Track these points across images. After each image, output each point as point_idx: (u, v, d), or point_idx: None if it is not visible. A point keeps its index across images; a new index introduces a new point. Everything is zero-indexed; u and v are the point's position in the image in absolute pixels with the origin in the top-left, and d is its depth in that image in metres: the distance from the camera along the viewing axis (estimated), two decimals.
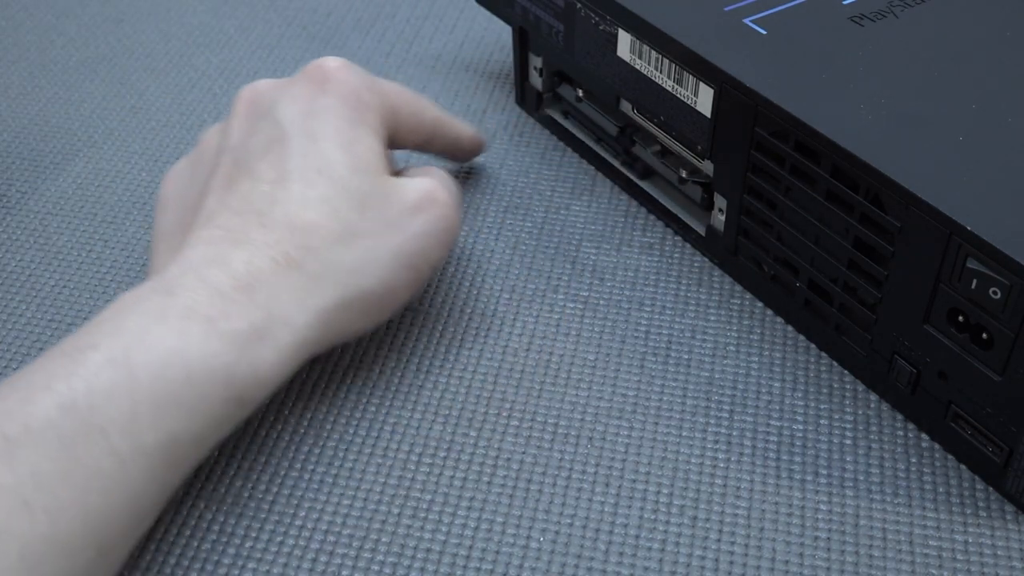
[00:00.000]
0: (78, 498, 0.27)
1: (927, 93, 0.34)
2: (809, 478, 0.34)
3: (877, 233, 0.33)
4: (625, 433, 0.35)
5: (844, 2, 0.39)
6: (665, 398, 0.36)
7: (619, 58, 0.40)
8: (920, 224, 0.31)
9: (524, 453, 0.34)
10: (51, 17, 0.56)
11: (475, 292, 0.40)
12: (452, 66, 0.52)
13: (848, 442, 0.35)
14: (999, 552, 0.32)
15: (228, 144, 0.36)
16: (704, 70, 0.36)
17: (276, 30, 0.55)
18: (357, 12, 0.56)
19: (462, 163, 0.45)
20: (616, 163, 0.44)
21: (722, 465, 0.34)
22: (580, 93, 0.45)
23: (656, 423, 0.35)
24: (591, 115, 0.45)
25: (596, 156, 0.45)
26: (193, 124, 0.49)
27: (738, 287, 0.40)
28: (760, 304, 0.39)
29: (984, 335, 0.31)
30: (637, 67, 0.40)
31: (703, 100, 0.37)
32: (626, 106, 0.42)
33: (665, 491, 0.33)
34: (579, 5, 0.41)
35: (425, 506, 0.33)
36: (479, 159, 0.46)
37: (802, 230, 0.36)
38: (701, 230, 0.41)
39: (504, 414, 0.36)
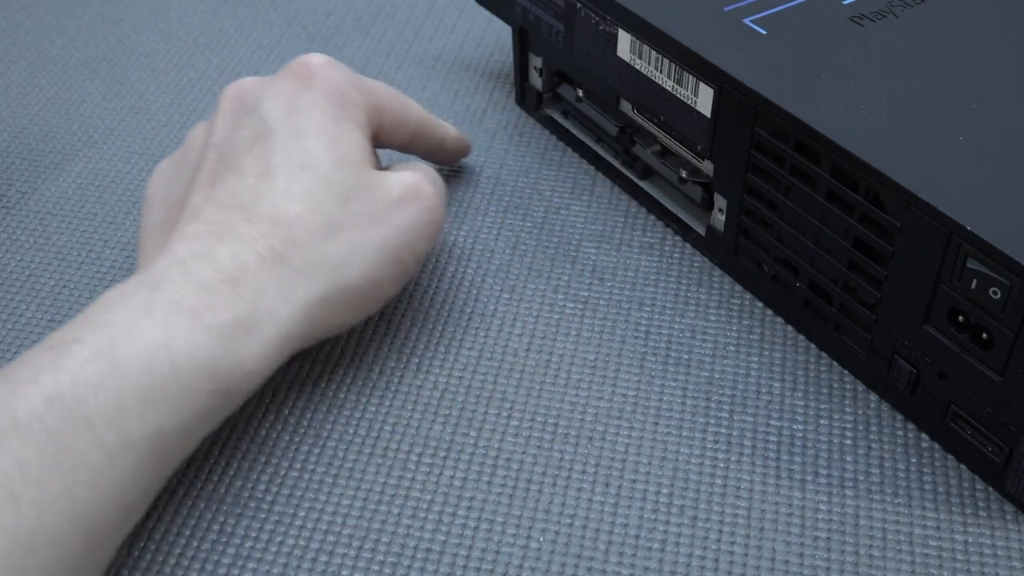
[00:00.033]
0: (66, 490, 0.27)
1: (927, 93, 0.34)
2: (809, 478, 0.34)
3: (877, 233, 0.33)
4: (625, 433, 0.35)
5: (844, 2, 0.39)
6: (665, 398, 0.36)
7: (619, 58, 0.40)
8: (920, 224, 0.31)
9: (524, 453, 0.34)
10: (51, 17, 0.56)
11: (475, 292, 0.40)
12: (452, 66, 0.52)
13: (848, 442, 0.35)
14: (999, 552, 0.32)
15: (213, 140, 0.36)
16: (704, 70, 0.36)
17: (276, 30, 0.55)
18: (357, 12, 0.56)
19: (447, 165, 0.45)
20: (616, 163, 0.44)
21: (722, 465, 0.34)
22: (580, 93, 0.45)
23: (656, 423, 0.35)
24: (591, 115, 0.45)
25: (596, 156, 0.45)
26: (193, 124, 0.49)
27: (738, 287, 0.40)
28: (760, 304, 0.39)
29: (984, 335, 0.31)
30: (637, 67, 0.40)
31: (703, 100, 0.37)
32: (626, 106, 0.42)
33: (665, 491, 0.33)
34: (579, 5, 0.41)
35: (425, 506, 0.33)
36: (479, 158, 0.46)
37: (802, 230, 0.36)
38: (701, 230, 0.41)
39: (504, 414, 0.36)
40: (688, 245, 0.42)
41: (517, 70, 0.47)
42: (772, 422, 0.35)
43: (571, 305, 0.39)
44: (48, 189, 0.45)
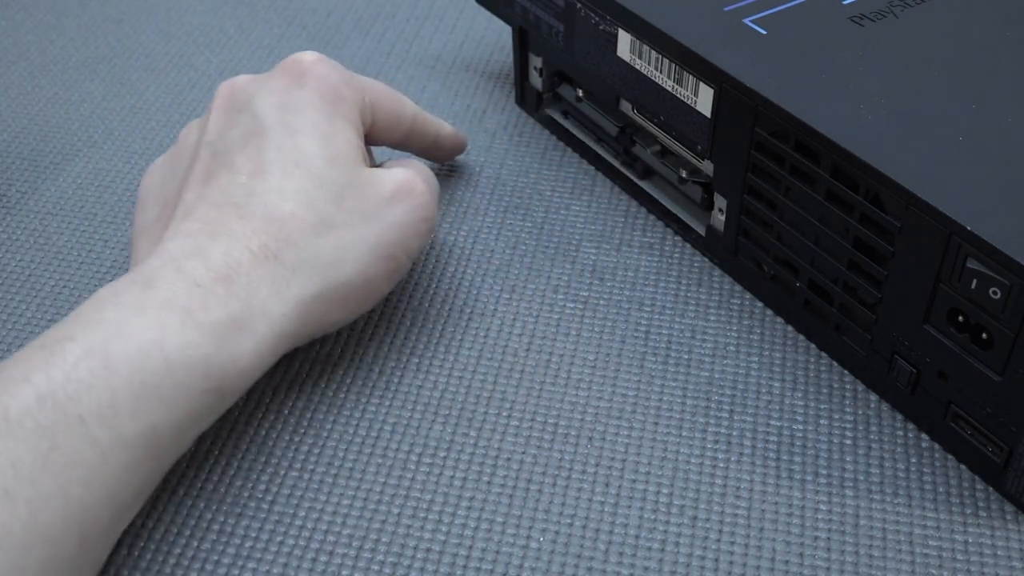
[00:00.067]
0: (59, 488, 0.27)
1: (927, 93, 0.34)
2: (809, 478, 0.34)
3: (877, 233, 0.33)
4: (625, 433, 0.35)
5: (844, 2, 0.39)
6: (665, 398, 0.36)
7: (619, 58, 0.40)
8: (920, 224, 0.31)
9: (524, 453, 0.34)
10: (51, 17, 0.56)
11: (475, 292, 0.40)
12: (452, 66, 0.52)
13: (848, 442, 0.35)
14: (999, 552, 0.32)
15: (206, 138, 0.36)
16: (704, 70, 0.36)
17: (276, 30, 0.55)
18: (357, 12, 0.56)
19: (443, 162, 0.45)
20: (616, 163, 0.44)
21: (722, 465, 0.34)
22: (580, 93, 0.45)
23: (656, 423, 0.35)
24: (591, 115, 0.45)
25: (596, 156, 0.45)
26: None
27: (738, 287, 0.40)
28: (760, 304, 0.39)
29: (984, 335, 0.31)
30: (637, 67, 0.40)
31: (703, 100, 0.37)
32: (626, 106, 0.42)
33: (665, 491, 0.33)
34: (579, 5, 0.41)
35: (425, 506, 0.33)
36: (479, 158, 0.46)
37: (802, 230, 0.36)
38: (701, 230, 0.41)
39: (504, 414, 0.36)
40: (688, 245, 0.42)
41: (517, 70, 0.47)
42: (772, 422, 0.35)
43: (571, 305, 0.39)
44: (48, 189, 0.45)
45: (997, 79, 0.35)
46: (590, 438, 0.35)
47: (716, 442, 0.35)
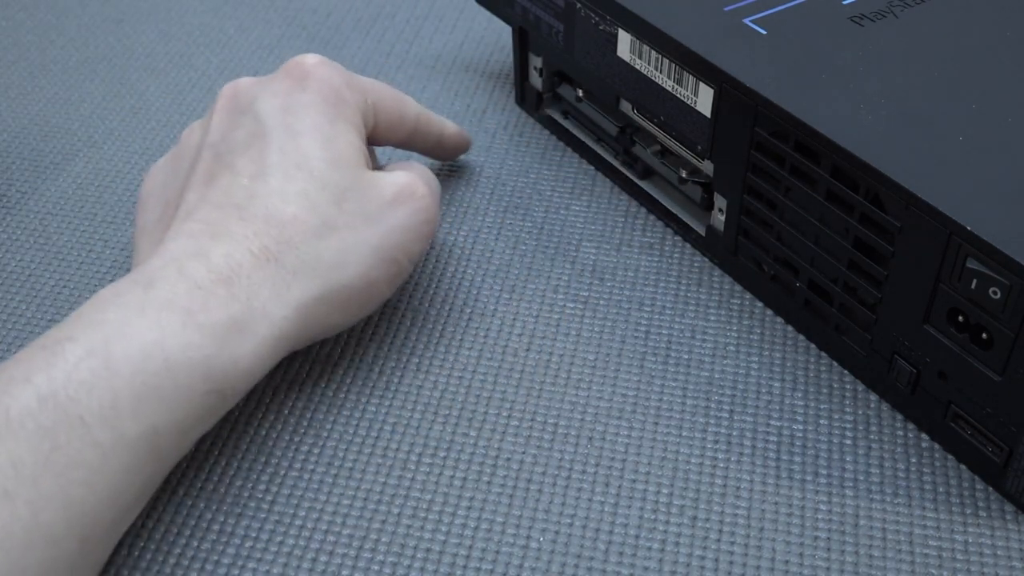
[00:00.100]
0: (60, 489, 0.27)
1: (927, 93, 0.34)
2: (809, 478, 0.34)
3: (877, 233, 0.33)
4: (625, 433, 0.35)
5: (844, 2, 0.39)
6: (665, 398, 0.36)
7: (619, 58, 0.40)
8: (920, 224, 0.31)
9: (524, 453, 0.34)
10: (51, 17, 0.56)
11: (475, 292, 0.40)
12: (452, 66, 0.52)
13: (848, 442, 0.35)
14: (999, 552, 0.32)
15: (209, 139, 0.36)
16: (704, 70, 0.36)
17: (276, 30, 0.55)
18: (357, 12, 0.56)
19: (447, 161, 0.45)
20: (616, 163, 0.44)
21: (722, 465, 0.34)
22: (580, 93, 0.45)
23: (656, 423, 0.35)
24: (591, 115, 0.45)
25: (596, 156, 0.45)
26: (192, 124, 0.49)
27: (738, 287, 0.40)
28: (760, 304, 0.39)
29: (984, 335, 0.31)
30: (637, 67, 0.40)
31: (703, 100, 0.37)
32: (626, 106, 0.42)
33: (665, 491, 0.33)
34: (579, 5, 0.41)
35: (425, 506, 0.33)
36: (479, 158, 0.46)
37: (802, 230, 0.36)
38: (701, 230, 0.41)
39: (504, 414, 0.36)
40: (688, 245, 0.42)
41: (517, 70, 0.47)
42: (772, 422, 0.35)
43: (571, 305, 0.39)
44: (48, 189, 0.45)
45: (997, 79, 0.35)
46: (590, 438, 0.35)
47: (716, 442, 0.35)
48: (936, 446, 0.34)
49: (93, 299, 0.31)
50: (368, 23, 0.55)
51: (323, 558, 0.32)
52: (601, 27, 0.40)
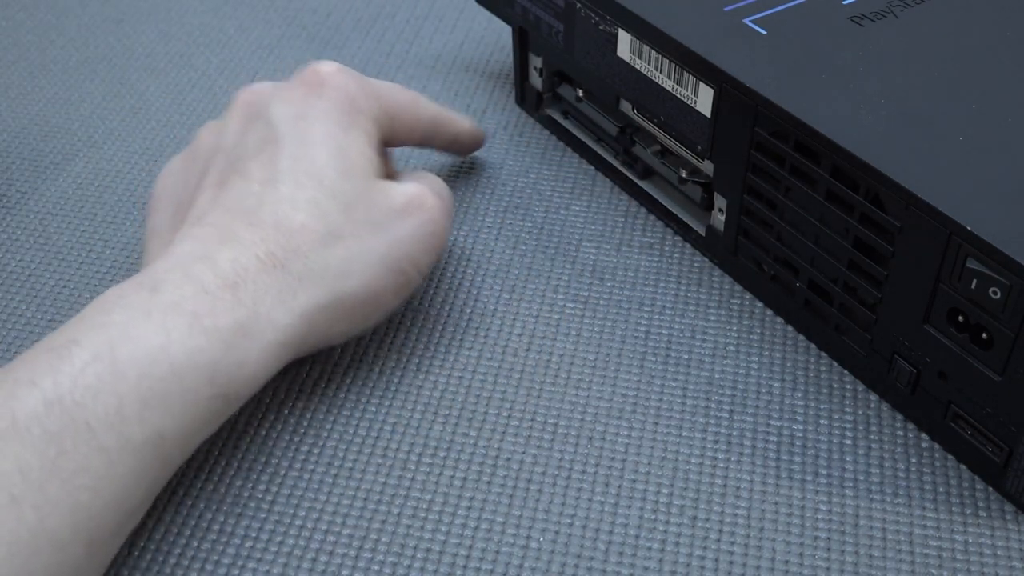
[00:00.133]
0: (66, 494, 0.27)
1: (927, 93, 0.34)
2: (809, 478, 0.34)
3: (877, 233, 0.33)
4: (625, 433, 0.35)
5: (844, 2, 0.39)
6: (665, 398, 0.36)
7: (619, 58, 0.40)
8: (920, 224, 0.31)
9: (524, 453, 0.34)
10: (51, 17, 0.56)
11: (475, 292, 0.40)
12: (452, 66, 0.52)
13: (848, 442, 0.35)
14: (999, 552, 0.32)
15: (223, 143, 0.36)
16: (704, 70, 0.36)
17: (276, 30, 0.55)
18: (357, 12, 0.56)
19: (464, 156, 0.45)
20: (616, 163, 0.44)
21: (722, 465, 0.34)
22: (580, 93, 0.45)
23: (656, 423, 0.35)
24: (591, 115, 0.45)
25: (596, 156, 0.45)
26: (193, 124, 0.49)
27: (738, 287, 0.40)
28: (760, 304, 0.39)
29: (984, 335, 0.31)
30: (637, 67, 0.40)
31: (703, 100, 0.37)
32: (626, 106, 0.42)
33: (665, 491, 0.33)
34: (579, 5, 0.41)
35: (425, 506, 0.33)
36: (479, 157, 0.46)
37: (802, 230, 0.36)
38: (701, 230, 0.41)
39: (504, 414, 0.36)
40: (688, 245, 0.42)
41: (517, 70, 0.47)
42: (772, 422, 0.35)
43: (571, 305, 0.39)
44: (48, 189, 0.45)
45: (997, 79, 0.35)
46: (590, 438, 0.35)
47: (716, 442, 0.35)
48: (936, 446, 0.34)
49: (98, 300, 0.31)
50: (368, 23, 0.55)
51: (323, 558, 0.32)
52: (601, 27, 0.40)
